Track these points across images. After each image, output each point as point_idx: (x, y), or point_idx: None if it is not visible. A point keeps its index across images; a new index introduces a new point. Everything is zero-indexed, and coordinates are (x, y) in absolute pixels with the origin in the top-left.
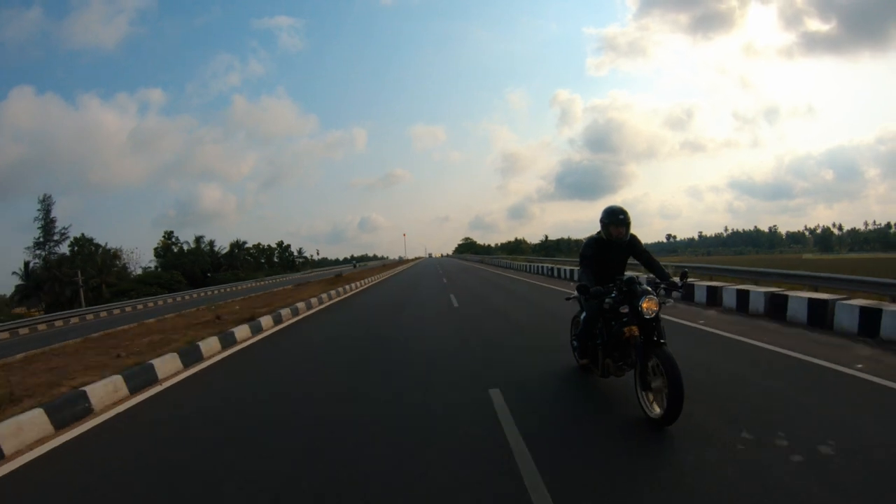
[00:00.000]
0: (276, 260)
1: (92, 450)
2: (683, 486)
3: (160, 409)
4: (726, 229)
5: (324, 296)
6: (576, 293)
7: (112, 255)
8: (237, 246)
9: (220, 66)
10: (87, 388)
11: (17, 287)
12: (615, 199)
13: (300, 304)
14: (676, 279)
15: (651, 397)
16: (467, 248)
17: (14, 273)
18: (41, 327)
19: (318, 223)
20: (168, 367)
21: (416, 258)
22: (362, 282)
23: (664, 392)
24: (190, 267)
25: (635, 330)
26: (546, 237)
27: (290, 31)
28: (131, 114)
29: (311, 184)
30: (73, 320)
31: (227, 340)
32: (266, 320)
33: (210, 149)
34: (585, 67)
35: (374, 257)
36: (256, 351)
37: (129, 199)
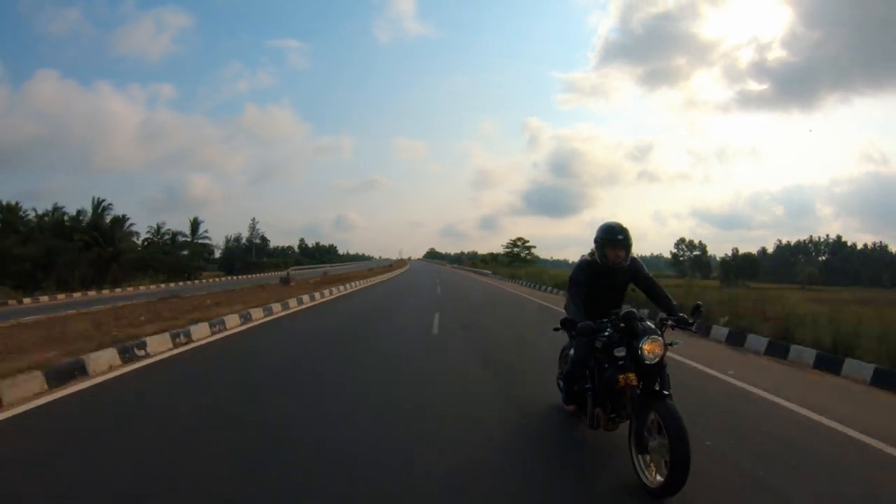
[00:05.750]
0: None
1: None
2: None
3: None
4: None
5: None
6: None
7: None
8: (327, 247)
9: (232, 74)
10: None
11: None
12: (581, 219)
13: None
14: (686, 315)
15: (648, 460)
16: (432, 255)
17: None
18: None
19: (295, 217)
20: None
21: (402, 259)
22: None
23: (665, 456)
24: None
25: (632, 378)
26: (476, 252)
27: (297, 52)
28: (142, 106)
29: (296, 182)
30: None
31: None
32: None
33: (209, 145)
34: (554, 102)
35: (363, 257)
36: None
37: (126, 182)
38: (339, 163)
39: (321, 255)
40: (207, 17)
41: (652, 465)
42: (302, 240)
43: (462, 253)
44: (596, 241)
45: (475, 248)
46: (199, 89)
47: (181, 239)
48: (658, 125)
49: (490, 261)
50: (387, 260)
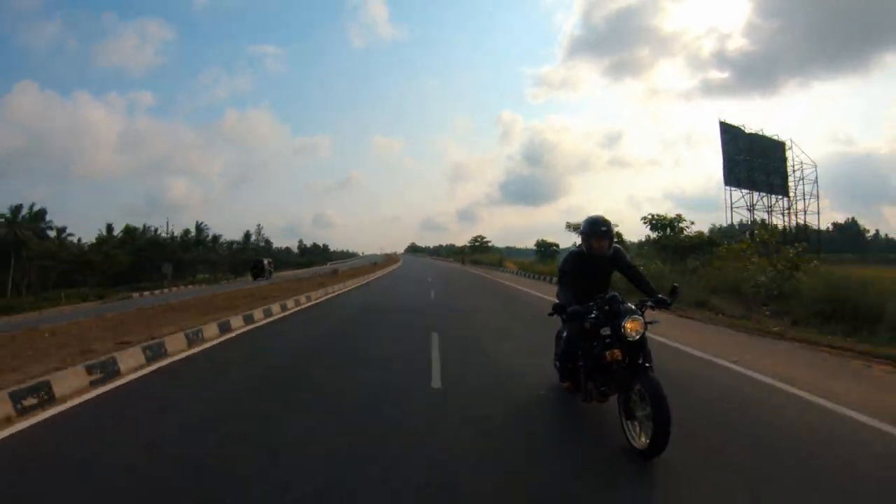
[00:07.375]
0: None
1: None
2: None
3: None
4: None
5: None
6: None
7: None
8: (321, 247)
9: (212, 80)
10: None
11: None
12: (557, 206)
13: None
14: (664, 296)
15: (637, 426)
16: (414, 249)
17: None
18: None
19: (274, 217)
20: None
21: (393, 255)
22: None
23: (650, 421)
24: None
25: (617, 353)
26: (454, 245)
27: (274, 58)
28: (121, 113)
29: (275, 183)
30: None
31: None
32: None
33: (191, 151)
34: (525, 96)
35: (351, 254)
36: None
37: (108, 189)
38: (317, 162)
39: (318, 254)
40: (188, 26)
41: (640, 429)
42: (301, 241)
43: (440, 246)
44: (582, 233)
45: (454, 240)
46: (180, 96)
47: (236, 246)
48: (625, 114)
49: (459, 253)
50: (376, 255)
